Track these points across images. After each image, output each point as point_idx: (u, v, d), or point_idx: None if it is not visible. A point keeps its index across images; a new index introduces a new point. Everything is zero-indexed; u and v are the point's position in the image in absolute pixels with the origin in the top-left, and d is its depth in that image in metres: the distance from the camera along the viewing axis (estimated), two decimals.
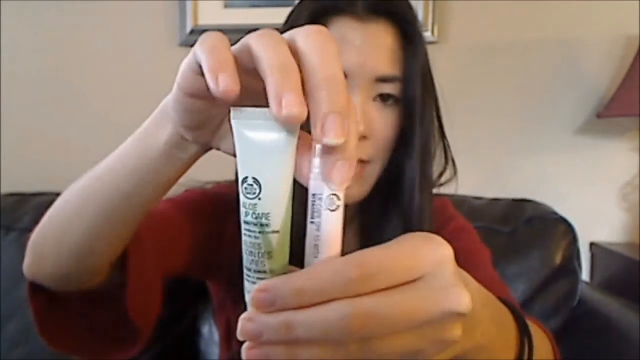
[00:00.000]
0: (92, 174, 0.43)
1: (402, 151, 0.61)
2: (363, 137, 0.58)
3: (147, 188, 0.41)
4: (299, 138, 0.27)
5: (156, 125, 0.38)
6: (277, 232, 0.27)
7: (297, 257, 0.29)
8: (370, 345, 0.26)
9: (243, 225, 0.28)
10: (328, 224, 0.27)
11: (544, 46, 1.29)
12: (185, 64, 0.31)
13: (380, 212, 0.63)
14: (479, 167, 1.32)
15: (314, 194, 0.28)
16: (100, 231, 0.43)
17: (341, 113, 0.25)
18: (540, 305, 1.00)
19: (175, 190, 0.66)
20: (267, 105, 0.26)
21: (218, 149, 0.38)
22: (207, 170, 0.74)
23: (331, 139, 0.25)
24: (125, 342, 0.52)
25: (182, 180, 0.66)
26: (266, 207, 0.27)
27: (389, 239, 0.28)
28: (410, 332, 0.26)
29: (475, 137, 1.31)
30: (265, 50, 0.27)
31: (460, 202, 1.05)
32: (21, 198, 1.10)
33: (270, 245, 0.27)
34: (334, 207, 0.27)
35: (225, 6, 1.30)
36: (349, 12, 0.58)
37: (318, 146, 0.27)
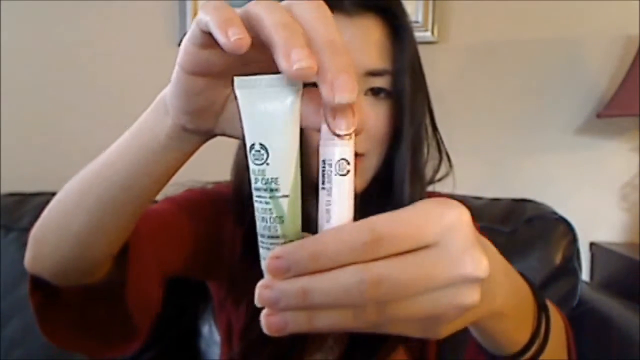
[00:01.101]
0: (90, 168, 0.43)
1: (394, 144, 0.61)
2: (365, 107, 0.58)
3: (146, 180, 0.41)
4: (302, 95, 0.28)
5: (155, 119, 0.38)
6: (287, 196, 0.28)
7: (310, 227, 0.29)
8: (388, 309, 0.26)
9: (254, 192, 0.29)
10: (339, 189, 0.28)
11: (544, 46, 1.29)
12: (187, 39, 0.31)
13: (377, 208, 0.64)
14: (479, 167, 1.32)
15: (324, 160, 0.28)
16: (100, 224, 0.43)
17: (348, 71, 0.26)
18: None
19: (176, 190, 0.66)
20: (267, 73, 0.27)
21: (223, 134, 0.38)
22: (207, 170, 0.74)
23: (343, 97, 0.26)
24: (124, 339, 0.52)
25: (182, 180, 0.67)
26: (275, 171, 0.28)
27: None
28: (427, 297, 0.26)
29: (475, 137, 1.31)
30: (268, 13, 0.27)
31: (460, 202, 1.04)
32: (21, 198, 1.09)
33: (282, 209, 0.28)
34: (344, 171, 0.28)
35: None
36: (336, 7, 0.58)
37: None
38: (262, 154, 0.28)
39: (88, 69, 1.37)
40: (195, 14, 1.29)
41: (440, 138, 0.67)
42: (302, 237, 0.28)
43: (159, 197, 0.64)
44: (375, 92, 0.59)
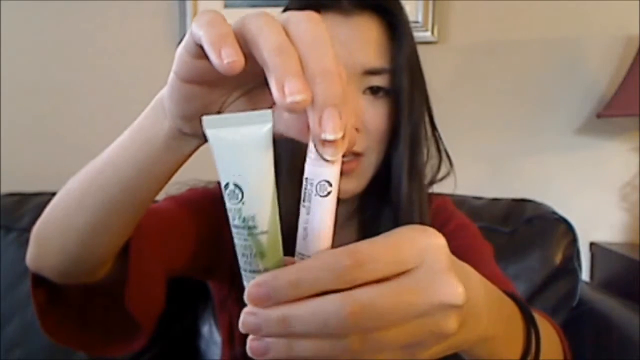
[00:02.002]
0: (91, 167, 0.43)
1: (392, 143, 0.61)
2: (355, 130, 0.58)
3: (146, 180, 0.41)
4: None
5: (153, 120, 0.38)
6: (265, 232, 0.28)
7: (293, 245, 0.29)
8: (368, 338, 0.26)
9: (232, 229, 0.28)
10: (318, 209, 0.28)
11: (544, 46, 1.29)
12: (182, 47, 0.30)
13: (377, 207, 0.64)
14: (479, 167, 1.32)
15: (306, 178, 0.28)
16: (101, 222, 0.43)
17: (337, 106, 0.26)
18: (540, 305, 1.00)
19: (178, 190, 0.66)
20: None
21: None
22: (209, 170, 0.74)
23: (329, 135, 0.25)
24: (127, 337, 0.52)
25: (185, 179, 0.67)
26: (251, 210, 0.27)
27: (383, 233, 0.28)
28: (406, 324, 0.26)
29: (474, 137, 1.31)
30: (263, 35, 0.27)
31: (460, 202, 1.04)
32: (21, 198, 1.09)
33: (261, 246, 0.28)
34: (324, 193, 0.28)
35: (225, 6, 1.30)
36: (334, 7, 0.58)
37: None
38: (237, 194, 0.27)
39: (88, 69, 1.37)
40: (195, 14, 1.29)
41: (440, 137, 0.67)
42: (283, 266, 0.28)
43: (161, 196, 0.64)
44: (373, 90, 0.59)
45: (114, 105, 1.36)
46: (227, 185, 0.28)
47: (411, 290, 0.26)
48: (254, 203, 0.27)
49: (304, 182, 0.28)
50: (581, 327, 0.97)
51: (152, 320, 0.51)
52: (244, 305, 0.28)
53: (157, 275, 0.53)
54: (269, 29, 0.27)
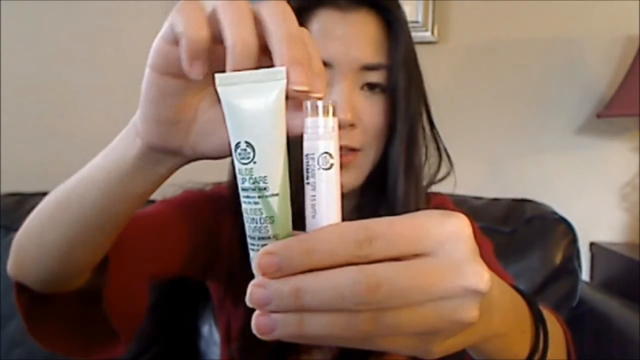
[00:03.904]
0: (68, 183, 0.43)
1: (389, 140, 0.61)
2: (351, 126, 0.58)
3: (118, 201, 0.40)
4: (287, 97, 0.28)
5: (125, 140, 0.38)
6: (276, 194, 0.27)
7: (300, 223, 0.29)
8: (382, 317, 0.25)
9: (241, 193, 0.28)
10: (323, 183, 0.27)
11: (543, 46, 1.29)
12: (159, 38, 0.31)
13: (375, 206, 0.64)
14: (479, 167, 1.32)
15: (307, 154, 0.28)
16: (75, 239, 0.43)
17: (302, 63, 0.28)
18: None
19: (174, 192, 0.66)
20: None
21: (195, 154, 0.36)
22: (206, 172, 0.74)
23: (298, 87, 0.28)
24: (107, 342, 0.51)
25: (181, 181, 0.67)
26: (263, 170, 0.27)
27: None
28: (425, 307, 0.25)
29: (475, 137, 1.31)
30: (229, 14, 0.29)
31: (460, 202, 1.05)
32: (21, 198, 1.09)
33: (272, 209, 0.27)
34: (327, 165, 0.27)
35: None
36: (330, 3, 0.58)
37: (309, 105, 0.28)
38: (249, 153, 0.27)
39: (88, 69, 1.37)
40: None
41: (438, 135, 0.67)
42: (293, 236, 0.28)
43: (157, 198, 0.64)
44: (370, 86, 0.59)
45: (114, 105, 1.36)
46: (238, 144, 0.27)
47: (430, 272, 0.25)
48: (265, 163, 0.27)
49: (304, 160, 0.28)
50: (581, 327, 0.97)
51: (133, 327, 0.51)
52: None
53: (139, 283, 0.52)
54: (237, 11, 0.29)
